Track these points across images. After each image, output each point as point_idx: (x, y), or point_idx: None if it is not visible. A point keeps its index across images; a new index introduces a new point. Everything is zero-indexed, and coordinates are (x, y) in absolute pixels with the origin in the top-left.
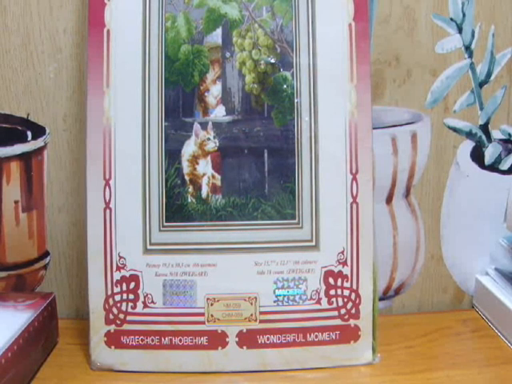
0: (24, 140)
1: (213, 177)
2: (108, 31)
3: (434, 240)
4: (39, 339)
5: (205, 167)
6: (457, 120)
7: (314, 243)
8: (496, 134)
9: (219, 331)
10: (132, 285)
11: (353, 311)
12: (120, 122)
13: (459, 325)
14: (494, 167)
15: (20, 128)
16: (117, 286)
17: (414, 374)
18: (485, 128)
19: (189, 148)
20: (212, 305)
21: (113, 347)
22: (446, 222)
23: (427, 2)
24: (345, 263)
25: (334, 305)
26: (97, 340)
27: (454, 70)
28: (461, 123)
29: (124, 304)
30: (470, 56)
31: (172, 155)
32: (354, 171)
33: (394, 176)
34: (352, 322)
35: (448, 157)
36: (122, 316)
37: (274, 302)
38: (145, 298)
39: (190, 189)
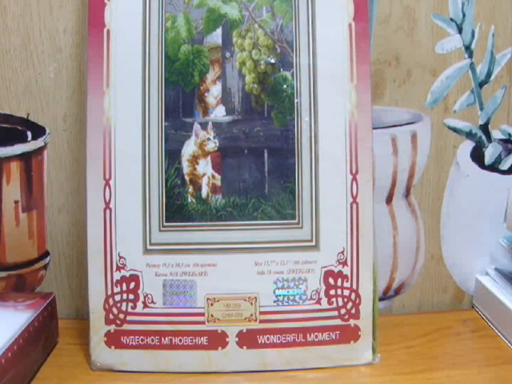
0: (24, 140)
1: (213, 177)
2: (108, 31)
3: (433, 240)
4: (39, 339)
5: (205, 167)
6: (457, 120)
7: (313, 243)
8: (496, 134)
9: (219, 331)
10: (132, 285)
11: (353, 311)
12: (120, 122)
13: (459, 325)
14: (494, 167)
15: (20, 128)
16: (117, 286)
17: (413, 373)
18: (485, 128)
19: (189, 148)
20: (212, 305)
21: (113, 347)
22: (446, 222)
23: (427, 2)
24: (345, 263)
25: (334, 305)
26: (97, 340)
27: (453, 70)
28: (461, 123)
29: (124, 304)
30: (470, 56)
31: (172, 155)
32: (353, 171)
33: (394, 176)
34: (352, 322)
35: (448, 157)
36: (121, 316)
37: (274, 302)
38: (145, 298)
39: (190, 189)
